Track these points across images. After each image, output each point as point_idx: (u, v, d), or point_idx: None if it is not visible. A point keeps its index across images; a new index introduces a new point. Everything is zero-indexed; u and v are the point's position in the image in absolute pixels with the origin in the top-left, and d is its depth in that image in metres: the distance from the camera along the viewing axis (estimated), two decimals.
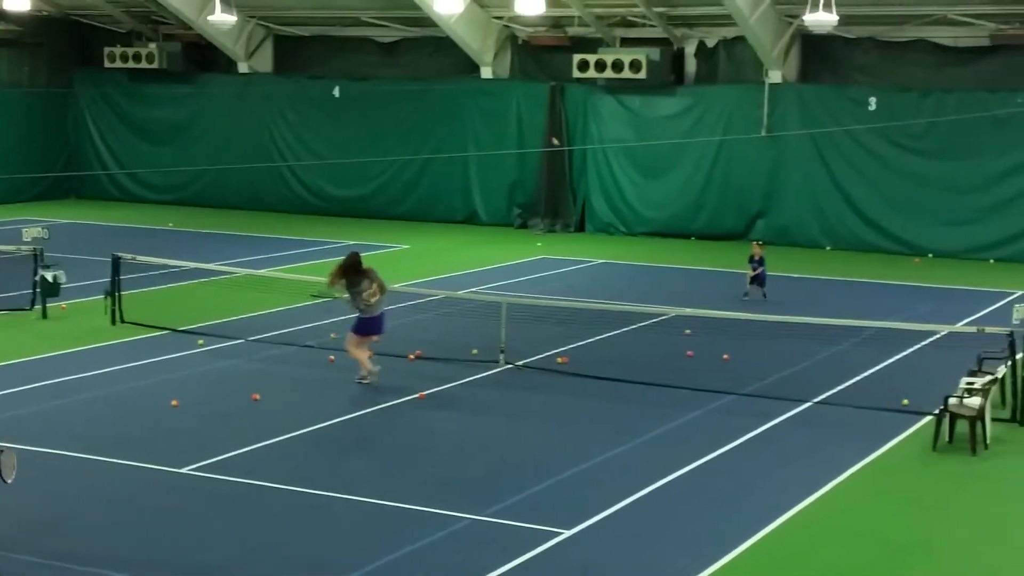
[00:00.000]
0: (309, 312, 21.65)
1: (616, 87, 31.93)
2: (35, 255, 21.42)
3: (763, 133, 30.84)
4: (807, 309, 20.69)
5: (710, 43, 32.05)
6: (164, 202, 37.01)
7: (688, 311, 20.02)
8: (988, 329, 16.72)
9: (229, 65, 36.92)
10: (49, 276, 21.10)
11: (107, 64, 36.92)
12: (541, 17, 32.00)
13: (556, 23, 32.89)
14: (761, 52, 30.35)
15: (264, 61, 37.00)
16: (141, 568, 10.92)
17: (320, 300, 18.47)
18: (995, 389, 15.75)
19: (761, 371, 18.19)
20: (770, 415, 16.00)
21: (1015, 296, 23.78)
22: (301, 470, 13.64)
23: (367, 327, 17.09)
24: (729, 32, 31.23)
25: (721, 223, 31.55)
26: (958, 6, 29.03)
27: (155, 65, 36.21)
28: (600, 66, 31.25)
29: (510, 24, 33.34)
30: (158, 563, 11.06)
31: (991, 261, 28.87)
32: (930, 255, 29.46)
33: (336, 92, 35.30)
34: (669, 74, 31.88)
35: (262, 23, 36.36)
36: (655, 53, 31.29)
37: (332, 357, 18.45)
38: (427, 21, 32.86)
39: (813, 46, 31.07)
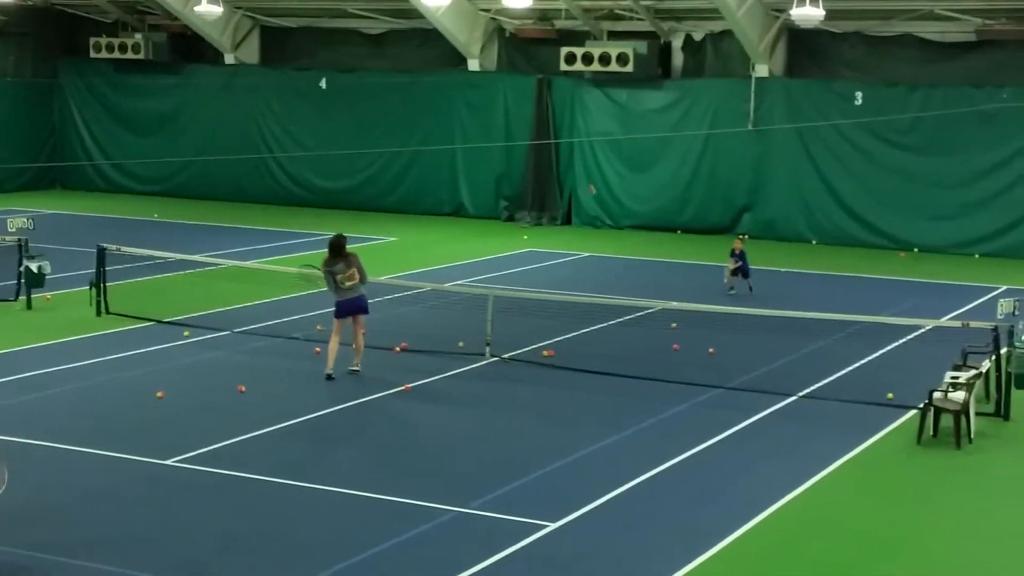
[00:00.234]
0: (295, 304, 21.62)
1: (603, 80, 31.93)
2: (20, 245, 21.36)
3: (750, 127, 30.87)
4: (792, 303, 20.72)
5: (697, 37, 32.07)
6: (150, 193, 36.92)
7: (674, 305, 20.05)
8: (972, 324, 16.78)
9: (215, 56, 36.83)
10: (34, 267, 21.04)
11: (93, 54, 36.83)
12: (528, 10, 31.99)
13: (543, 16, 32.88)
14: (748, 46, 30.37)
15: (251, 52, 36.91)
16: (125, 559, 10.89)
17: (306, 271, 18.40)
18: (979, 383, 15.82)
19: (746, 365, 18.22)
20: (755, 409, 16.03)
21: (1000, 291, 23.84)
22: (286, 462, 13.63)
23: (340, 308, 17.10)
24: (716, 26, 31.25)
25: (707, 217, 31.59)
26: (944, 1, 29.08)
27: (141, 55, 36.12)
28: (587, 59, 31.25)
29: (497, 17, 33.31)
30: (142, 554, 11.05)
31: (976, 256, 28.95)
32: (915, 250, 29.53)
33: (323, 84, 35.24)
34: (656, 68, 31.91)
35: (249, 14, 36.27)
36: (642, 46, 31.30)
37: (318, 349, 18.42)
38: (414, 13, 32.81)
39: (800, 40, 31.10)
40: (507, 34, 33.86)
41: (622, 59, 30.92)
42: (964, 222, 29.38)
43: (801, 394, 16.80)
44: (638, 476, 13.35)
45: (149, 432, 14.58)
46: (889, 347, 19.40)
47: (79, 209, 33.79)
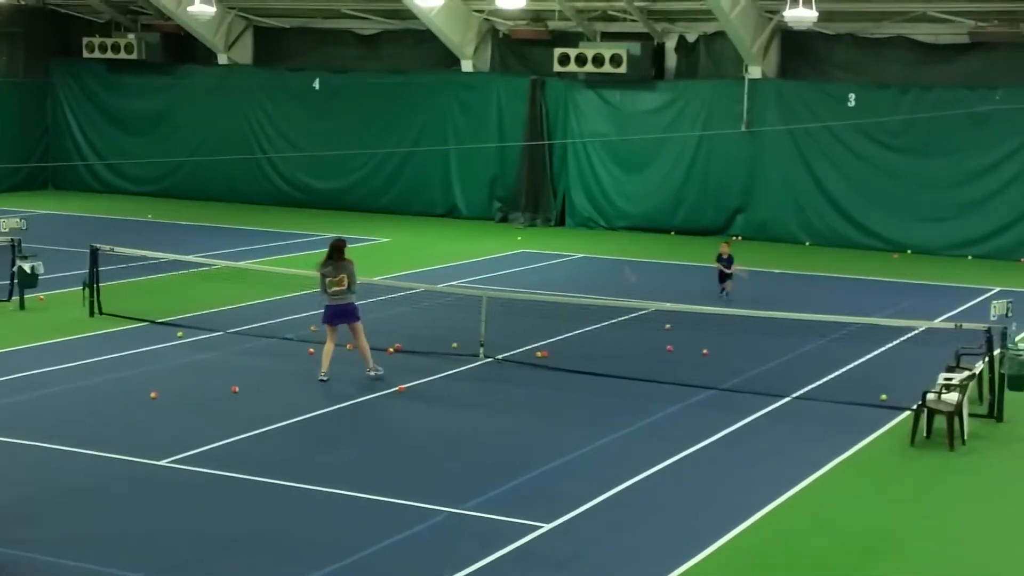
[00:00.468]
0: (288, 305, 21.61)
1: (596, 81, 31.95)
2: (13, 246, 21.33)
3: (743, 128, 30.90)
4: (786, 305, 20.73)
5: (690, 38, 32.10)
6: (143, 193, 36.88)
7: (668, 306, 20.06)
8: (966, 325, 16.78)
9: (208, 56, 36.79)
10: (27, 267, 21.01)
11: (86, 54, 36.77)
12: (522, 11, 32.00)
13: (537, 17, 32.89)
14: (741, 48, 30.40)
15: (244, 52, 36.88)
16: (117, 559, 10.88)
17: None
18: (973, 385, 15.84)
19: (740, 366, 18.23)
20: (749, 410, 16.04)
21: (993, 292, 23.88)
22: (279, 463, 13.61)
23: (327, 313, 17.09)
24: (709, 27, 31.28)
25: (700, 218, 31.61)
26: (937, 3, 29.14)
27: (134, 56, 36.08)
28: (581, 60, 31.27)
29: (491, 17, 33.32)
30: (134, 555, 11.03)
31: (969, 257, 28.99)
32: (909, 251, 29.57)
33: (316, 84, 35.22)
34: (649, 69, 31.94)
35: (242, 14, 36.25)
36: (635, 48, 31.32)
37: (311, 350, 18.42)
38: (407, 14, 32.81)
39: (793, 42, 31.14)
40: (500, 35, 33.87)
41: (615, 60, 30.95)
42: (957, 223, 29.42)
43: (795, 395, 16.82)
44: (632, 477, 13.36)
45: (142, 432, 14.57)
46: (882, 348, 19.42)
47: (72, 209, 33.74)
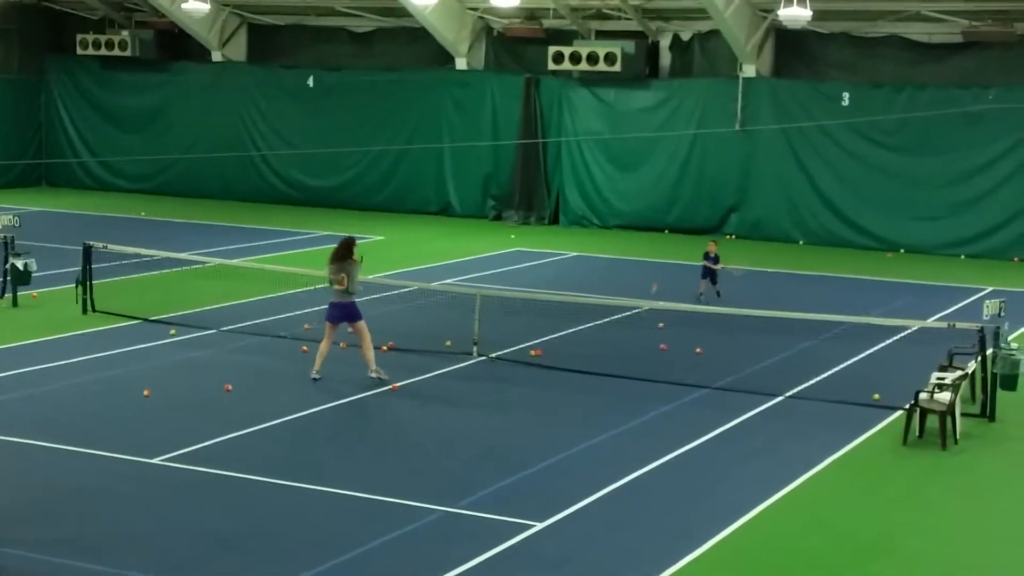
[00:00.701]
0: (282, 303, 21.60)
1: (591, 80, 31.95)
2: (5, 243, 21.31)
3: (737, 127, 30.92)
4: (779, 304, 20.73)
5: (685, 37, 32.11)
6: (136, 191, 36.84)
7: (661, 304, 20.07)
8: (959, 325, 16.82)
9: (202, 53, 36.76)
10: (20, 264, 20.98)
11: (79, 51, 36.73)
12: (516, 9, 32.00)
13: (531, 15, 32.88)
14: (735, 46, 30.42)
15: (238, 50, 36.85)
16: (110, 558, 10.87)
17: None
18: (965, 384, 15.87)
19: (734, 365, 18.25)
20: (742, 409, 16.06)
21: (986, 292, 23.92)
22: (273, 461, 13.61)
23: (329, 311, 17.08)
24: (704, 26, 31.30)
25: (695, 217, 31.63)
26: (931, 2, 29.16)
27: (128, 53, 36.04)
28: (575, 58, 31.28)
29: (485, 15, 33.31)
30: (127, 553, 11.02)
31: (962, 257, 29.03)
32: (902, 250, 29.61)
33: (310, 82, 35.21)
34: (644, 67, 31.94)
35: (236, 11, 36.21)
36: (630, 46, 31.33)
37: (305, 348, 18.41)
38: (402, 11, 32.80)
39: (787, 41, 31.16)
40: (495, 33, 33.86)
41: (610, 58, 30.95)
42: (951, 223, 29.47)
43: (788, 394, 16.84)
44: (625, 476, 13.37)
45: (135, 430, 14.55)
46: (875, 348, 19.45)
47: (65, 207, 33.70)
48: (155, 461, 13.46)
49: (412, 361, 17.98)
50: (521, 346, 18.98)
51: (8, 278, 21.13)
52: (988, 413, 15.92)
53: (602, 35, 32.43)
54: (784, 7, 26.20)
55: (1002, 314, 16.60)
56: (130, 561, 10.84)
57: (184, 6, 32.25)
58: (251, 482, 12.95)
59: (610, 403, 16.29)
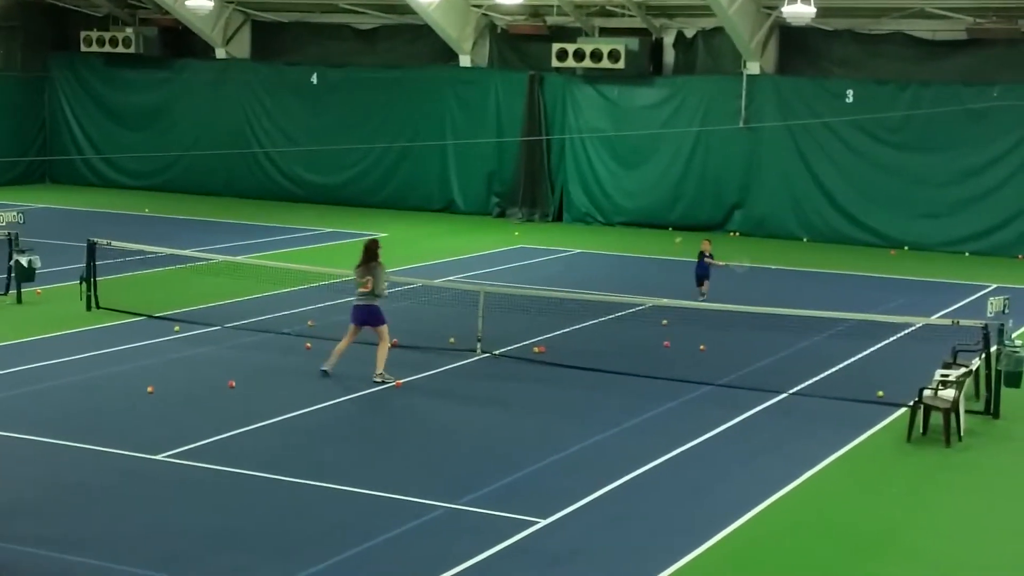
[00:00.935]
0: (285, 300, 21.60)
1: (594, 77, 31.93)
2: (10, 240, 21.31)
3: (741, 124, 30.90)
4: (783, 301, 20.72)
5: (688, 34, 32.09)
6: (140, 187, 36.85)
7: (665, 301, 20.05)
8: (963, 322, 16.80)
9: (206, 50, 36.75)
10: (24, 261, 21.00)
11: (83, 48, 36.73)
12: (520, 6, 31.98)
13: (535, 12, 32.87)
14: (739, 43, 30.39)
15: (241, 47, 36.85)
16: (114, 554, 10.88)
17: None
18: (969, 381, 15.85)
19: (737, 362, 18.24)
20: (746, 406, 16.05)
21: (990, 289, 23.88)
22: (276, 458, 13.61)
23: (351, 313, 17.06)
24: (708, 23, 31.27)
25: (698, 214, 31.61)
26: None
27: (132, 50, 36.04)
28: (579, 55, 31.25)
29: (489, 12, 33.29)
30: (131, 549, 11.03)
31: (966, 254, 29.01)
32: (906, 248, 29.59)
33: (314, 79, 35.20)
34: (647, 64, 31.92)
35: (240, 8, 36.21)
36: (634, 43, 31.31)
37: (309, 344, 18.42)
38: (405, 8, 32.79)
39: (791, 38, 31.14)
40: (498, 30, 33.84)
41: (613, 56, 30.94)
42: (954, 220, 29.44)
43: (791, 391, 16.83)
44: (628, 473, 13.36)
45: (138, 427, 14.56)
46: (879, 345, 19.43)
47: (69, 203, 33.72)
48: (158, 457, 13.47)
49: (416, 358, 17.98)
50: (525, 343, 18.97)
51: (12, 275, 21.14)
52: (992, 410, 15.91)
53: (606, 32, 32.41)
54: (788, 4, 26.15)
55: (1006, 311, 16.58)
56: (133, 557, 10.84)
57: (188, 3, 32.25)
58: (254, 478, 12.95)
59: (613, 400, 16.28)
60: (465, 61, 33.77)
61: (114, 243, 21.64)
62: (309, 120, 35.33)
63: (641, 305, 20.83)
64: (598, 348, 18.99)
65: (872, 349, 19.23)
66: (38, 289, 21.54)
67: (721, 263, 22.71)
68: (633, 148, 32.11)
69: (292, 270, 21.83)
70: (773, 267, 26.57)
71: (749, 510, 12.37)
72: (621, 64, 30.96)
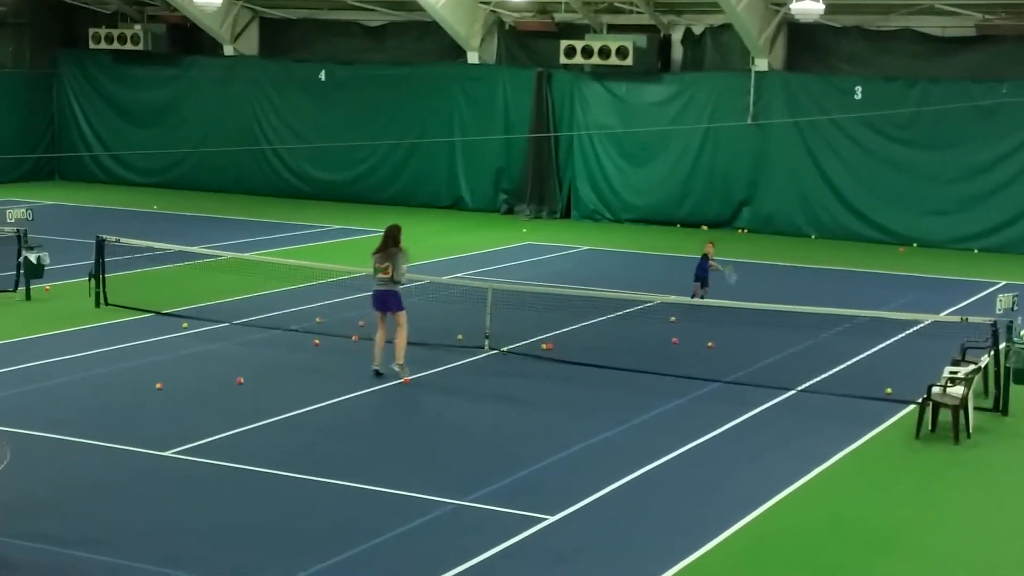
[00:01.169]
0: (294, 296, 21.62)
1: (602, 73, 31.91)
2: (19, 236, 21.35)
3: (749, 121, 30.86)
4: (791, 297, 20.72)
5: (697, 30, 32.06)
6: (149, 184, 36.90)
7: (673, 298, 20.05)
8: (972, 319, 16.78)
9: (215, 47, 36.79)
10: (33, 257, 21.04)
11: (92, 45, 36.79)
12: (528, 3, 31.99)
13: (543, 9, 32.85)
14: (748, 40, 30.35)
15: (250, 44, 36.88)
16: (122, 550, 10.89)
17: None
18: (978, 378, 15.83)
19: (745, 359, 18.22)
20: (754, 403, 16.04)
21: (999, 286, 23.84)
22: (284, 454, 13.62)
23: (372, 299, 17.04)
24: (716, 20, 31.24)
25: (706, 211, 31.59)
26: None
27: (140, 47, 36.09)
28: (587, 52, 31.24)
29: (497, 9, 33.28)
30: (139, 546, 11.04)
31: (975, 251, 28.97)
32: (915, 244, 29.54)
33: (322, 76, 35.22)
34: (656, 61, 31.88)
35: (248, 5, 36.23)
36: (642, 40, 31.28)
37: (317, 341, 18.44)
38: (413, 5, 32.78)
39: (799, 35, 31.09)
40: (506, 27, 33.83)
41: (621, 52, 30.92)
42: (963, 217, 29.39)
43: (800, 388, 16.82)
44: (637, 470, 13.36)
45: (147, 423, 14.58)
46: (888, 342, 19.41)
47: (78, 200, 33.76)
48: (166, 454, 13.49)
49: (424, 354, 17.98)
50: (532, 340, 18.97)
51: (21, 271, 21.18)
52: (1001, 407, 15.88)
53: (614, 29, 32.39)
54: (796, 1, 26.12)
55: (1015, 308, 16.56)
56: (141, 554, 10.86)
57: (196, 0, 32.25)
58: (262, 475, 12.96)
59: (621, 397, 16.28)
60: (473, 58, 33.77)
61: (123, 240, 21.67)
62: (317, 117, 35.35)
63: (649, 302, 20.82)
64: (606, 345, 18.99)
65: (881, 346, 19.21)
66: (47, 286, 21.58)
67: (718, 267, 22.20)
68: (641, 145, 32.08)
69: (300, 267, 21.84)
70: (781, 264, 26.54)
71: (757, 507, 12.37)
72: (629, 61, 30.94)
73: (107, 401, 15.55)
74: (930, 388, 14.93)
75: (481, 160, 33.72)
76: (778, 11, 30.00)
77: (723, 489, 13.01)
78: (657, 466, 13.58)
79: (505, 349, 18.38)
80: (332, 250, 26.80)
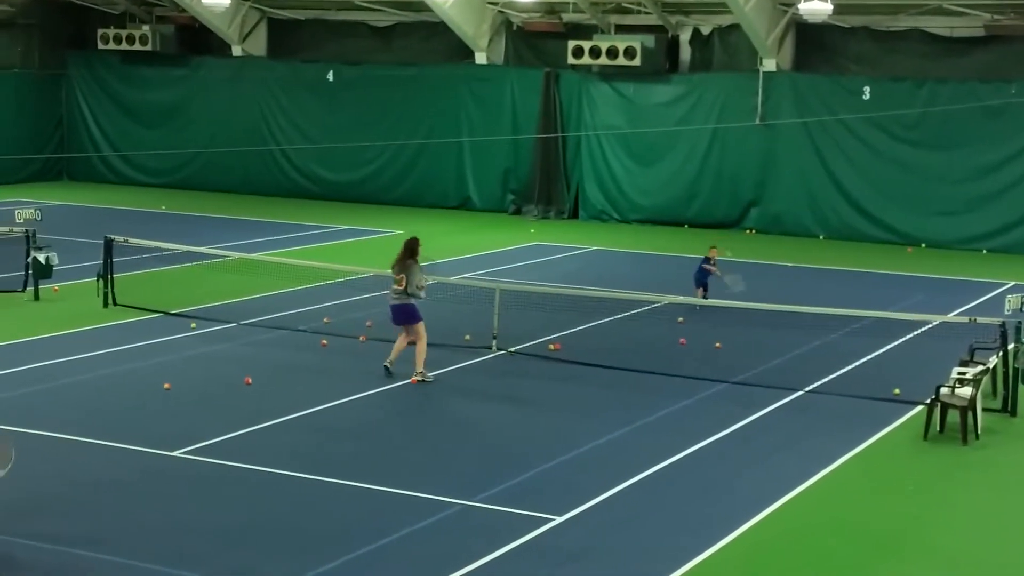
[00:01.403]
0: (302, 297, 21.63)
1: (610, 74, 31.90)
2: (27, 237, 21.38)
3: (757, 121, 30.84)
4: (799, 298, 20.69)
5: (705, 31, 32.04)
6: (157, 185, 36.95)
7: (681, 299, 20.04)
8: (980, 319, 16.75)
9: (223, 48, 36.84)
10: (41, 258, 21.07)
11: (100, 46, 36.85)
12: (536, 3, 31.98)
13: (551, 9, 32.86)
14: (756, 40, 30.33)
15: (258, 44, 36.91)
16: (129, 550, 10.90)
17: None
18: (986, 379, 15.80)
19: (753, 360, 18.20)
20: (762, 404, 16.02)
21: (1007, 287, 23.80)
22: (291, 454, 13.63)
23: (391, 315, 17.06)
24: (724, 20, 31.22)
25: (714, 211, 31.56)
26: None
27: (149, 47, 36.14)
28: (595, 52, 31.23)
29: (505, 10, 33.29)
30: (146, 546, 11.05)
31: (984, 252, 28.92)
32: (923, 245, 29.49)
33: (330, 76, 35.24)
34: (664, 61, 31.88)
35: (256, 6, 36.27)
36: (650, 40, 31.27)
37: (324, 341, 18.45)
38: (421, 6, 32.79)
39: (807, 35, 31.06)
40: (514, 27, 33.84)
41: (629, 53, 30.90)
42: (971, 217, 29.34)
43: (808, 389, 16.79)
44: (644, 470, 13.35)
45: (155, 424, 14.60)
46: (896, 343, 19.38)
47: (86, 200, 33.80)
48: (174, 454, 13.51)
49: (431, 355, 17.91)
50: (540, 340, 18.97)
51: (30, 272, 21.21)
52: (1009, 408, 15.85)
53: (622, 29, 32.37)
54: (805, 1, 26.10)
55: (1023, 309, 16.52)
56: (148, 554, 10.86)
57: (205, 1, 32.29)
58: (269, 475, 12.97)
59: (629, 397, 16.27)
60: (481, 58, 33.77)
61: (131, 240, 21.70)
62: (325, 117, 35.37)
63: (657, 303, 20.80)
64: (613, 345, 18.98)
65: (889, 347, 19.18)
66: (55, 286, 21.61)
67: (718, 273, 21.66)
68: (649, 145, 32.07)
69: (308, 267, 21.85)
70: (789, 264, 26.51)
71: (764, 508, 12.35)
72: (637, 61, 30.92)
73: (114, 401, 15.57)
74: (938, 389, 14.91)
75: (489, 161, 33.72)
76: (786, 11, 29.97)
77: (731, 490, 13.00)
78: (665, 467, 13.57)
79: (513, 350, 18.38)
80: (340, 250, 26.81)
